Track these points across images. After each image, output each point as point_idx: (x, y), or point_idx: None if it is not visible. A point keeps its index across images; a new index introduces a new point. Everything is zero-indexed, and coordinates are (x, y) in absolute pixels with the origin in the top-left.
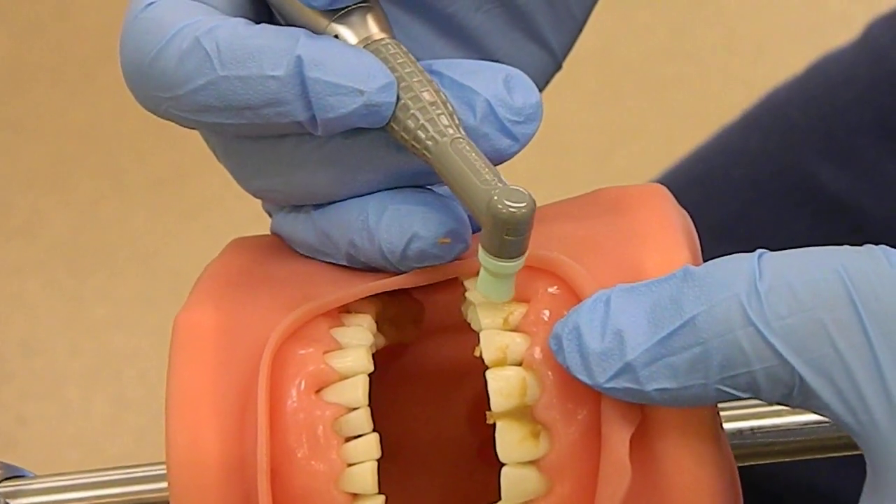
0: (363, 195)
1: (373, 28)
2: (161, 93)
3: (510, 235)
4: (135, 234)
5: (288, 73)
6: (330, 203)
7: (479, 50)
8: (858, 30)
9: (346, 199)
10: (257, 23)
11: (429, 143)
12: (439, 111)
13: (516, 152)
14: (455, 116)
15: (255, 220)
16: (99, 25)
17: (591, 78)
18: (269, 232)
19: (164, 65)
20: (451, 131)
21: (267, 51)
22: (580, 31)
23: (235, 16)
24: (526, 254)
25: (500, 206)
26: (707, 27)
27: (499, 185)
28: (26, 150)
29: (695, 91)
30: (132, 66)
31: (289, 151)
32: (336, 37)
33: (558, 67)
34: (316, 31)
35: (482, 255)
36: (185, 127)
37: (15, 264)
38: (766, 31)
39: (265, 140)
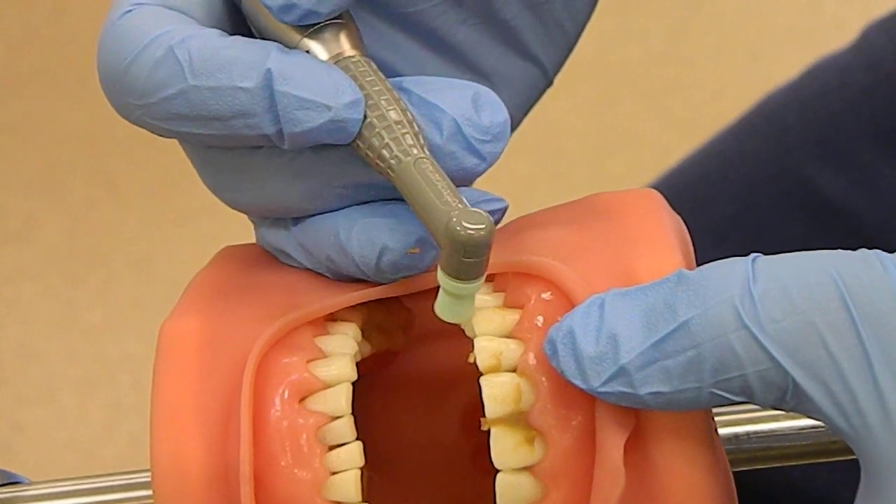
0: (336, 209)
1: (344, 45)
2: (134, 100)
3: (468, 257)
4: (129, 240)
5: (257, 86)
6: (306, 217)
7: (465, 64)
8: (853, 34)
9: (320, 213)
10: (233, 35)
11: (392, 161)
12: (404, 130)
13: (483, 171)
14: (420, 136)
15: (248, 226)
16: (93, 30)
17: (587, 82)
18: (253, 242)
19: (138, 72)
20: (415, 151)
21: (238, 62)
22: (572, 47)
23: (212, 27)
24: (484, 276)
25: (458, 228)
26: (702, 32)
27: (458, 206)
28: (20, 156)
29: (690, 96)
30: (107, 72)
31: (260, 164)
32: (308, 52)
33: (549, 83)
34: (288, 46)
35: (440, 275)
36: (157, 135)
37: (9, 270)
38: (762, 36)
39: (237, 151)
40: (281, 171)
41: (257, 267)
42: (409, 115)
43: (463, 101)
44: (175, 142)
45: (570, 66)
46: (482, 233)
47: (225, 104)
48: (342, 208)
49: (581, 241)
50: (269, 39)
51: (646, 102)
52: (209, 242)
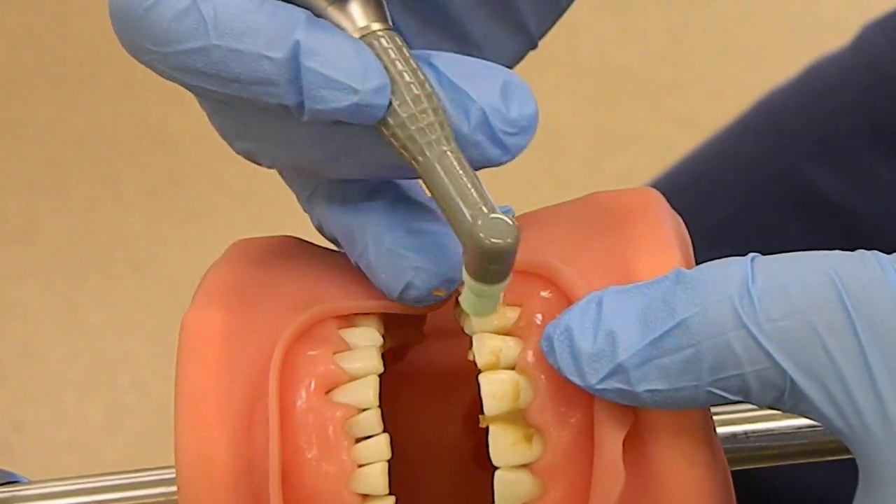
0: (360, 179)
1: (373, 17)
2: (149, 45)
3: (493, 265)
4: (131, 240)
5: (284, 57)
6: (337, 205)
7: (458, 34)
8: (852, 34)
9: (344, 207)
10: None
11: (416, 154)
12: (430, 120)
13: (506, 162)
14: (447, 125)
15: (251, 225)
16: (96, 31)
17: (587, 82)
18: (265, 235)
19: (157, 19)
20: (441, 143)
21: (266, 29)
22: (562, 14)
23: None
24: (510, 277)
25: (482, 237)
26: (702, 32)
27: (483, 210)
28: (22, 156)
29: (690, 95)
30: (123, 11)
31: (275, 122)
32: (336, 23)
33: (534, 48)
34: (315, 11)
35: (466, 276)
36: (166, 79)
37: (11, 270)
38: (761, 36)
39: (253, 105)
40: (297, 134)
41: (275, 260)
42: (435, 101)
43: (493, 89)
44: (177, 143)
45: (569, 65)
46: (508, 243)
47: (247, 69)
48: (368, 208)
49: (580, 239)
50: (294, 3)
51: (645, 102)
52: (211, 243)
